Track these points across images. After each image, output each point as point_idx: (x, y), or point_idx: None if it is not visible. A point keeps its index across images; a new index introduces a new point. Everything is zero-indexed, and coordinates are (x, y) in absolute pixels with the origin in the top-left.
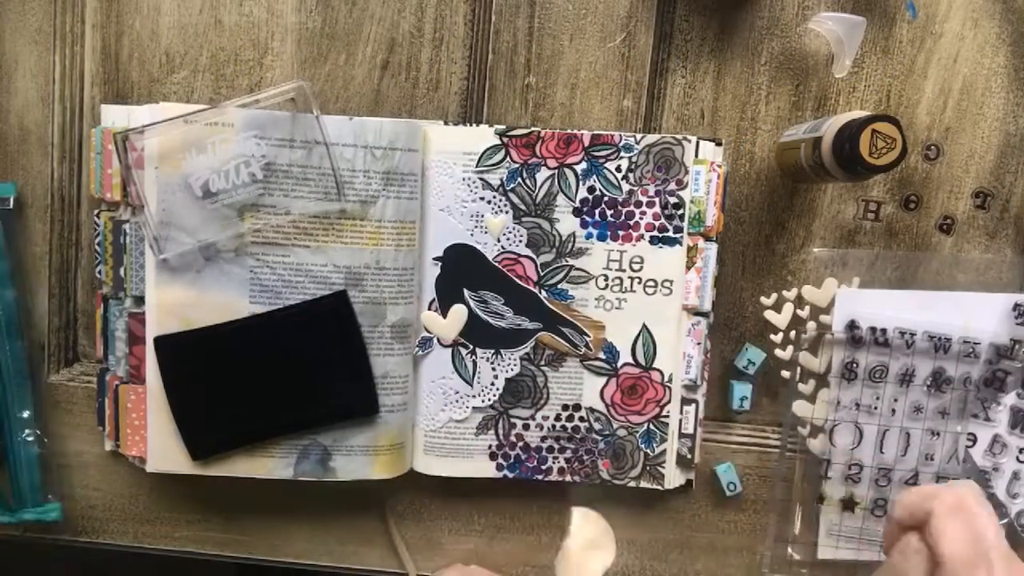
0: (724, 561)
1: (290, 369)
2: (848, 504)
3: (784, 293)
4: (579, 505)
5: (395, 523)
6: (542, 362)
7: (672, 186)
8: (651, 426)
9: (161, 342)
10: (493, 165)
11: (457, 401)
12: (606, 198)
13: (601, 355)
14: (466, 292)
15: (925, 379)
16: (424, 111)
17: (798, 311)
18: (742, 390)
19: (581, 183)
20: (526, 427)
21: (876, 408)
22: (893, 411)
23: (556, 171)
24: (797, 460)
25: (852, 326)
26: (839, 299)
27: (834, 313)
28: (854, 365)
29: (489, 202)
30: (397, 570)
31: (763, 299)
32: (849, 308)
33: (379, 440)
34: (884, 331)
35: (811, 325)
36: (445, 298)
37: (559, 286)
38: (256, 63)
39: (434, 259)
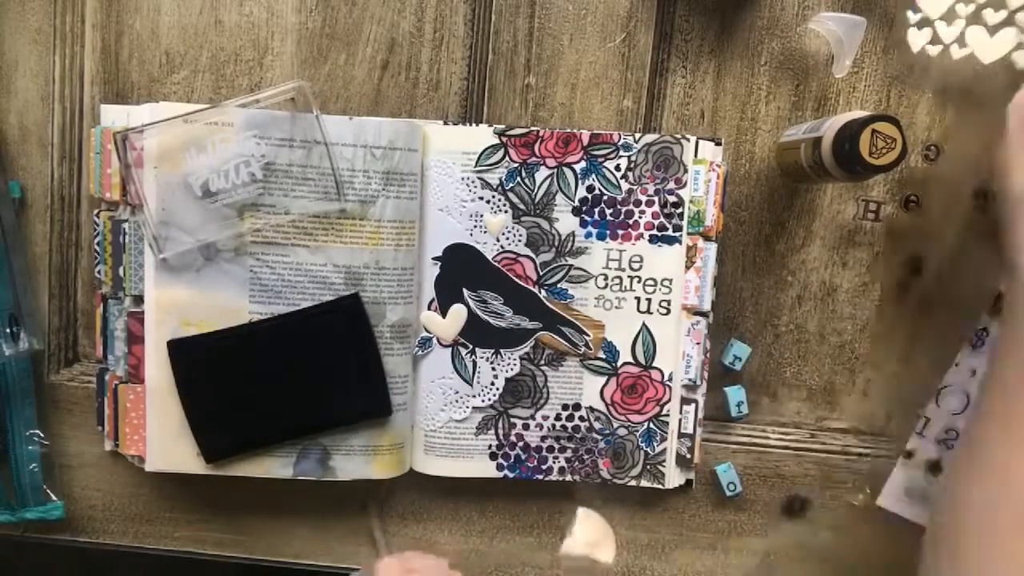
0: (724, 561)
1: (304, 372)
2: (934, 468)
3: None
4: (580, 505)
5: (376, 511)
6: (542, 362)
7: (671, 185)
8: (651, 425)
9: (176, 345)
10: (492, 165)
11: (457, 401)
12: (605, 197)
13: (601, 354)
14: (465, 292)
15: None
16: (424, 111)
17: None
18: (737, 396)
19: (580, 182)
20: (526, 427)
21: None
22: None
23: (555, 170)
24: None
25: (1000, 297)
26: None
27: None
28: (984, 333)
29: (488, 202)
30: None
31: None
32: None
33: (379, 440)
34: None
35: None
36: (444, 298)
37: (559, 285)
38: (256, 63)
39: (433, 259)
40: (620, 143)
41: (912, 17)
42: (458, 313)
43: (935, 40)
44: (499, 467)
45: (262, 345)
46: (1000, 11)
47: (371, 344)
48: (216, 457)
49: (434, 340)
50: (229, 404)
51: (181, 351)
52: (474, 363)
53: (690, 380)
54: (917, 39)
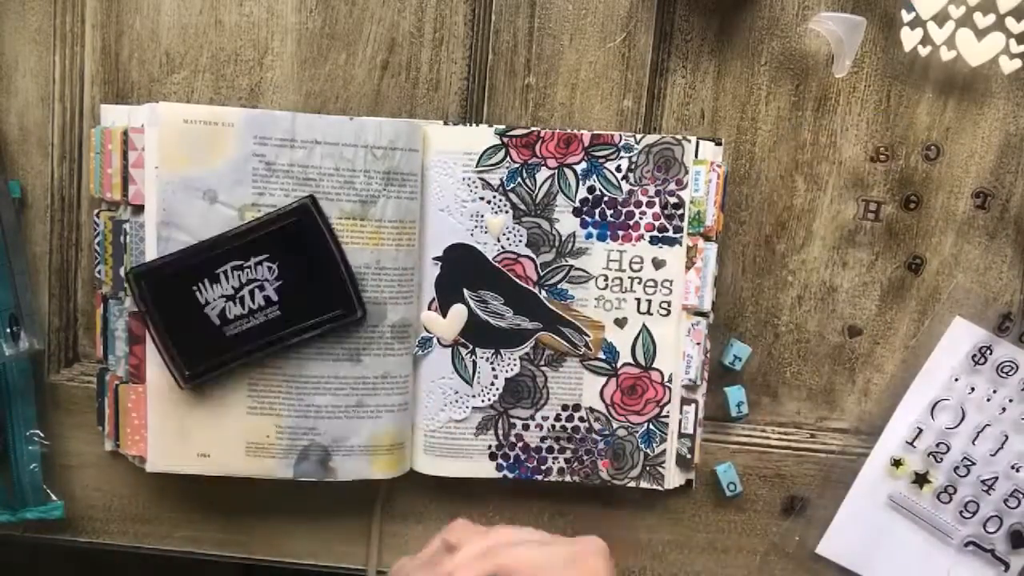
0: (724, 561)
1: (272, 282)
2: (920, 480)
3: None
4: (580, 506)
5: (380, 519)
6: (542, 362)
7: (672, 186)
8: (651, 426)
9: (137, 272)
10: (493, 165)
11: (457, 401)
12: (606, 198)
13: (601, 355)
14: (466, 292)
15: None
16: (424, 111)
17: None
18: (737, 396)
19: (581, 183)
20: (526, 427)
21: (989, 400)
22: (1003, 409)
23: (556, 171)
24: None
25: (1007, 316)
26: None
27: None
28: (987, 351)
29: (489, 202)
30: None
31: None
32: None
33: (379, 440)
34: None
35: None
36: (445, 298)
37: (559, 286)
38: (256, 63)
39: (434, 259)
40: (621, 144)
41: (906, 16)
42: (458, 313)
43: (926, 40)
44: (499, 467)
45: (226, 262)
46: (989, 15)
47: (331, 244)
48: (193, 380)
49: (434, 340)
50: (199, 326)
51: (144, 278)
52: (474, 363)
53: (690, 380)
54: (909, 38)
